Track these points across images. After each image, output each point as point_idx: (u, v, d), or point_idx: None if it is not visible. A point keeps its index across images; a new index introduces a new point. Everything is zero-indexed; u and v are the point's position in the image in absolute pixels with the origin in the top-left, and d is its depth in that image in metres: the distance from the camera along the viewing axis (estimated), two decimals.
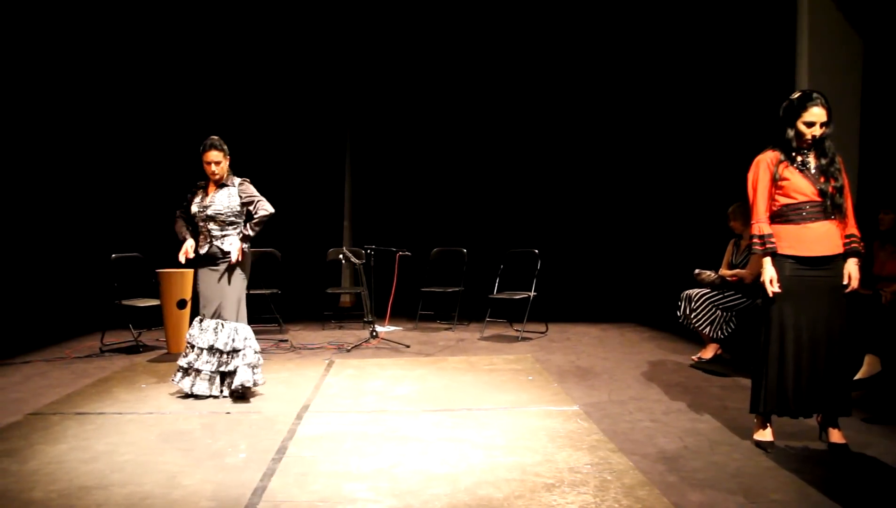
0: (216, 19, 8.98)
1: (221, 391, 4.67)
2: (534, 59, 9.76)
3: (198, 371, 4.64)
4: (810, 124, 3.48)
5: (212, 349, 4.63)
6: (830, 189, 3.46)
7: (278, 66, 9.59)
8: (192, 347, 4.66)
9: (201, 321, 4.70)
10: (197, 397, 4.62)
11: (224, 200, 4.73)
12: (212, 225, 4.71)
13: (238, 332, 4.64)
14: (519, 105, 10.10)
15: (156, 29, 8.90)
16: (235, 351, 4.63)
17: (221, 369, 4.65)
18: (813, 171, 3.50)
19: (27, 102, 8.34)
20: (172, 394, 4.75)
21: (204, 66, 9.32)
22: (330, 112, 9.99)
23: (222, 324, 4.64)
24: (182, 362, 4.67)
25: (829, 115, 3.48)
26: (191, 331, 4.71)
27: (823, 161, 3.52)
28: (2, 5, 7.71)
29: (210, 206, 4.71)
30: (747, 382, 3.79)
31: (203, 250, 4.74)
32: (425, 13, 9.21)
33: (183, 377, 4.68)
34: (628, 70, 9.51)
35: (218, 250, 4.71)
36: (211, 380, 4.65)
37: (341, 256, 7.26)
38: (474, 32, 9.47)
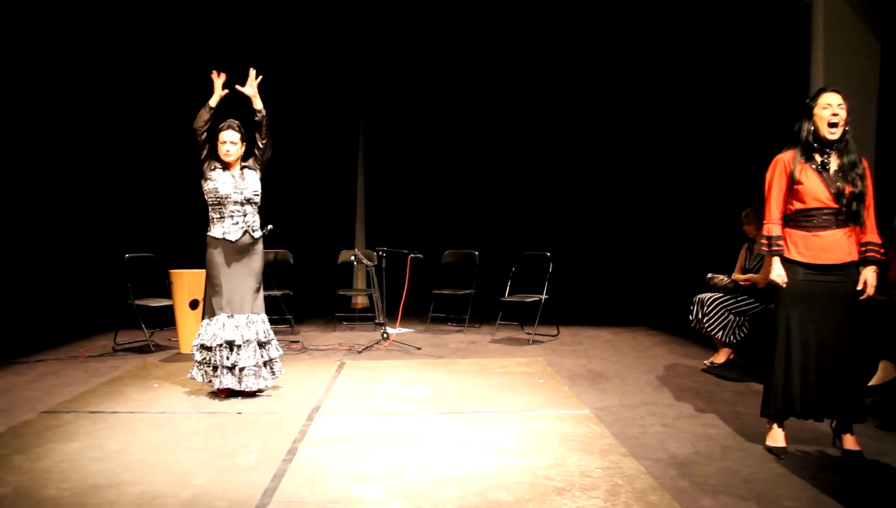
0: (226, 22, 9.01)
1: (267, 380, 4.70)
2: (547, 61, 9.75)
3: (241, 369, 4.54)
4: (827, 107, 3.42)
5: (250, 343, 4.56)
6: (847, 194, 3.38)
7: (291, 68, 9.62)
8: (231, 346, 4.53)
9: (231, 316, 4.57)
10: (244, 394, 4.62)
11: (255, 182, 4.68)
12: (248, 208, 4.63)
13: (266, 323, 4.70)
14: (531, 108, 10.09)
15: (163, 29, 8.93)
16: (269, 342, 4.70)
17: (262, 360, 4.65)
18: (832, 173, 3.44)
19: (42, 103, 8.41)
20: (211, 393, 4.71)
21: (216, 65, 9.35)
22: (342, 114, 10.01)
23: (253, 317, 4.62)
24: (225, 362, 4.52)
25: (846, 103, 3.42)
26: (216, 330, 4.54)
27: (846, 163, 3.43)
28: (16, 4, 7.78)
29: (248, 187, 4.62)
30: (760, 387, 3.76)
31: (234, 237, 4.58)
32: (437, 14, 9.20)
33: (226, 375, 4.55)
34: (643, 73, 9.47)
35: (251, 239, 4.65)
36: (256, 374, 4.59)
37: (353, 257, 7.27)
38: (487, 36, 9.45)
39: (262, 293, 4.78)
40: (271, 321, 4.86)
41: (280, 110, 9.74)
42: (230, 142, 4.61)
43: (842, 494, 3.00)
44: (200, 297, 6.39)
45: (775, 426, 3.60)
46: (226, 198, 4.57)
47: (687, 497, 2.97)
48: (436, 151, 10.25)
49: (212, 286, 4.65)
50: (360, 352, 6.43)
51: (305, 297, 8.33)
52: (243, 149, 4.71)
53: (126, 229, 8.92)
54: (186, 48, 9.10)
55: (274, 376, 4.80)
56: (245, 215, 4.63)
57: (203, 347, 4.59)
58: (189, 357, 6.10)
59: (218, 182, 4.59)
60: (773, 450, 3.55)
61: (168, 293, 6.55)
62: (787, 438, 3.59)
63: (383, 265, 6.94)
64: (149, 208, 9.25)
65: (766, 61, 7.11)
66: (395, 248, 7.13)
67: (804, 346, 3.46)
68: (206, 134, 4.59)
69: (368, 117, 10.01)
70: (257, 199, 4.71)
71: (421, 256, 7.06)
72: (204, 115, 4.57)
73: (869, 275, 3.41)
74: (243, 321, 4.60)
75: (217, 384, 4.58)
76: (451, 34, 9.45)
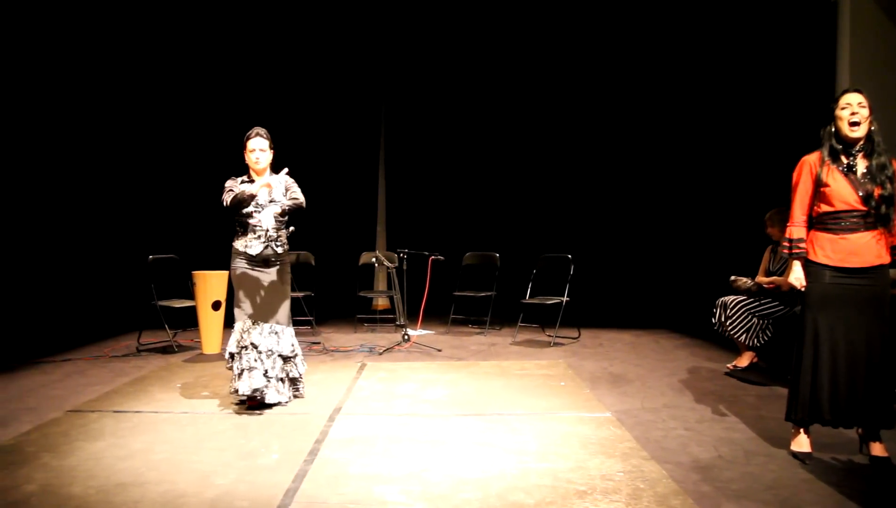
0: (249, 24, 9.09)
1: (289, 397, 4.61)
2: (571, 63, 9.73)
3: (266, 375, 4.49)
4: (846, 107, 3.40)
5: (272, 353, 4.49)
6: (876, 196, 3.33)
7: (312, 69, 9.69)
8: (256, 349, 4.43)
9: (255, 323, 4.48)
10: (266, 405, 4.49)
11: (281, 197, 4.58)
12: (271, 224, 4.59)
13: (293, 337, 4.62)
14: (553, 110, 10.08)
15: (187, 32, 9.03)
16: (295, 356, 4.63)
17: (286, 375, 4.59)
18: (859, 175, 3.39)
19: (69, 108, 8.54)
20: (240, 398, 4.57)
21: (239, 70, 9.45)
22: (363, 116, 10.06)
23: (279, 329, 4.53)
24: (257, 364, 4.41)
25: (868, 102, 3.39)
26: (240, 335, 4.46)
27: (875, 165, 3.38)
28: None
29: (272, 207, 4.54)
30: (784, 391, 3.72)
31: (255, 251, 4.50)
32: (459, 16, 9.21)
33: (247, 378, 4.41)
34: (668, 74, 9.42)
35: (273, 252, 4.56)
36: (274, 387, 4.50)
37: (374, 259, 7.29)
38: (509, 39, 9.45)
39: (287, 306, 4.65)
40: (292, 322, 4.81)
41: (302, 112, 9.89)
42: (259, 149, 4.52)
43: (868, 501, 2.96)
44: (223, 298, 6.45)
45: (801, 430, 3.56)
46: (247, 216, 4.51)
47: (709, 502, 2.94)
48: (457, 153, 10.26)
49: (235, 296, 4.60)
50: (380, 354, 6.45)
51: (327, 298, 8.37)
52: (272, 156, 4.62)
53: (149, 231, 9.04)
54: (211, 50, 9.20)
55: (298, 392, 4.71)
56: (267, 230, 4.55)
57: (231, 355, 4.52)
58: (211, 358, 6.20)
59: None
60: (797, 455, 3.51)
61: (191, 295, 6.61)
62: (813, 443, 3.55)
63: (404, 267, 6.95)
64: (172, 209, 9.36)
65: (791, 61, 7.04)
66: (415, 250, 7.15)
67: (833, 351, 3.41)
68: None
69: (389, 119, 10.04)
70: (283, 218, 4.62)
71: (442, 257, 7.07)
72: (238, 200, 4.41)
73: None
74: (267, 330, 4.50)
75: (242, 389, 4.41)
76: (472, 37, 9.46)
